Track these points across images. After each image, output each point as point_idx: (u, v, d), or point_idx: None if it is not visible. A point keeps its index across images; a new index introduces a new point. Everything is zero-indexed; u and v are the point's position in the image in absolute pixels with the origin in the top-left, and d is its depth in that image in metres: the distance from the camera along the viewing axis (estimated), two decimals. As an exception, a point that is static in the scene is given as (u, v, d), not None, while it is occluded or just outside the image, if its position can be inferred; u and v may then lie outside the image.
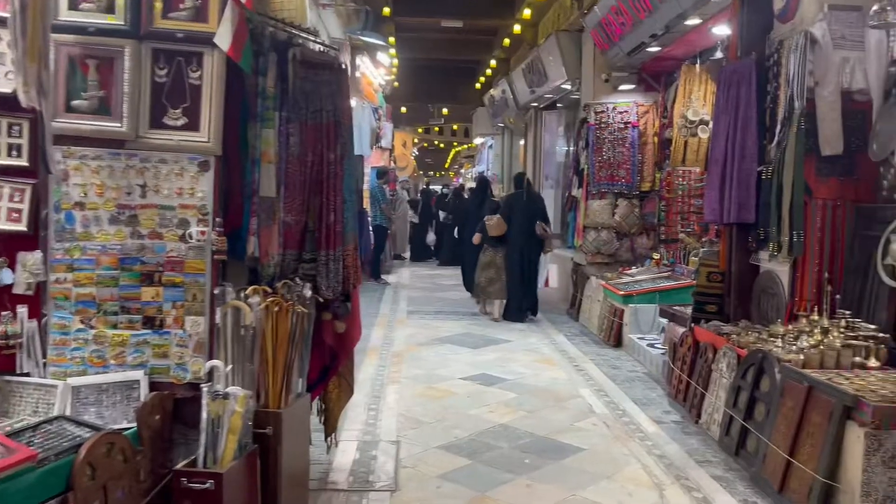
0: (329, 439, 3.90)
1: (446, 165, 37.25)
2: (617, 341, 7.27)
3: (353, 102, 10.59)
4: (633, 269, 8.50)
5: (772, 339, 4.38)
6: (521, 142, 15.12)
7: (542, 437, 4.48)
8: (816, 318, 4.41)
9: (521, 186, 8.91)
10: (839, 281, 4.61)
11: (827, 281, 4.51)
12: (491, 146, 18.56)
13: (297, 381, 3.30)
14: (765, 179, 4.95)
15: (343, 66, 3.53)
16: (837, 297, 4.42)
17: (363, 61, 11.39)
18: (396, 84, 16.87)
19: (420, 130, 24.49)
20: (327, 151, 3.36)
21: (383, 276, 11.98)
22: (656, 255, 8.12)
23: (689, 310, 5.89)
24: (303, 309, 3.12)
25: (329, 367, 3.78)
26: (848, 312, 4.27)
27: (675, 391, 5.30)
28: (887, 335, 3.94)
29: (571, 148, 10.72)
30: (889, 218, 4.20)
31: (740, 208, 5.10)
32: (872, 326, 4.05)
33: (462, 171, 28.69)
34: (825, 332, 4.16)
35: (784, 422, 3.68)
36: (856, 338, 4.00)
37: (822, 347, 3.95)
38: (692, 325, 5.32)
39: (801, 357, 3.90)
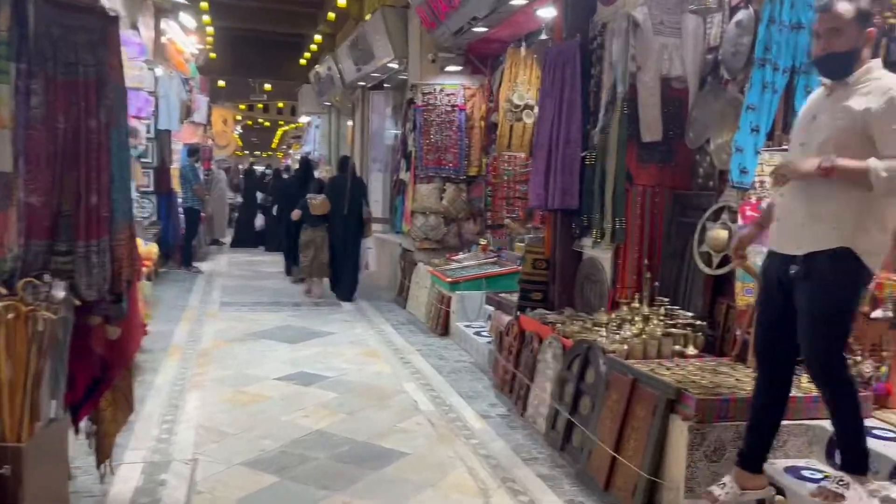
0: (103, 466, 3.23)
1: (273, 145, 35.66)
2: (444, 330, 7.05)
3: (160, 71, 9.50)
4: (461, 255, 8.35)
5: (596, 328, 4.29)
6: (349, 122, 14.57)
7: (363, 443, 4.08)
8: (637, 305, 4.39)
9: (346, 170, 8.89)
10: (658, 268, 4.63)
11: (646, 268, 4.50)
12: (318, 126, 17.80)
13: (49, 404, 2.64)
14: (588, 165, 4.88)
15: (109, 12, 2.86)
16: (656, 284, 4.42)
17: (170, 26, 10.27)
18: (213, 55, 15.59)
19: (242, 107, 23.00)
20: (86, 117, 2.69)
21: (195, 264, 10.96)
22: (483, 241, 8.02)
23: (515, 297, 5.77)
24: (49, 314, 2.46)
25: (101, 380, 3.11)
26: (667, 299, 4.27)
27: (502, 382, 5.13)
28: (704, 322, 3.96)
29: (399, 130, 10.39)
30: (704, 205, 4.24)
31: (564, 194, 5.00)
32: (690, 314, 4.06)
33: (291, 151, 27.54)
34: (646, 319, 4.13)
35: (609, 415, 3.56)
36: (675, 326, 3.99)
37: (644, 337, 3.90)
38: (518, 313, 5.17)
39: (625, 347, 3.82)
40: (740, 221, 3.79)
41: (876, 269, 2.66)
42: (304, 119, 19.72)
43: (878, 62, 2.64)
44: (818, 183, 2.55)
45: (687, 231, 4.41)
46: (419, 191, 8.80)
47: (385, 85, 12.00)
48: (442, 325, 7.06)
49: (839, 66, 2.61)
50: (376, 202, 11.81)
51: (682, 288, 4.38)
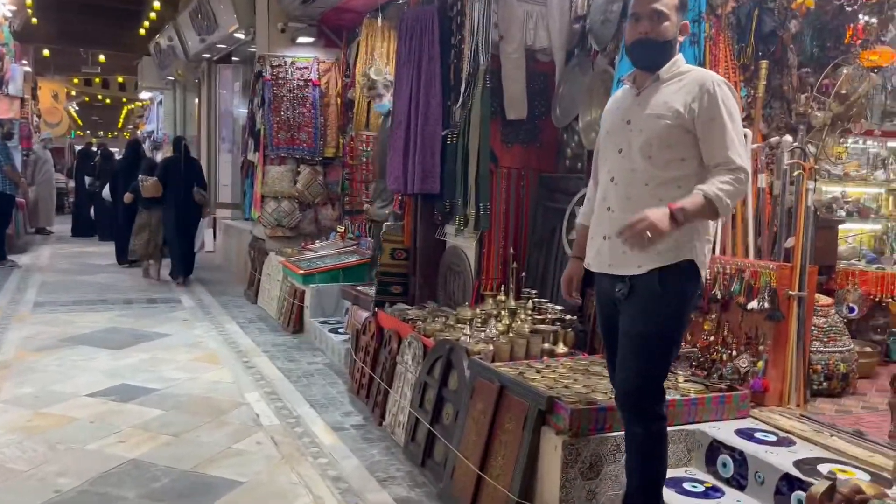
0: None
1: (119, 125, 32.76)
2: (298, 327, 6.41)
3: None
4: (318, 244, 7.71)
5: (459, 325, 3.86)
6: (196, 99, 13.37)
7: (187, 473, 3.41)
8: (503, 298, 4.01)
9: (180, 150, 8.36)
10: (524, 257, 4.28)
11: (512, 257, 4.13)
12: (161, 102, 16.30)
13: None
14: (450, 145, 4.43)
15: None
16: (523, 275, 4.06)
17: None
18: (35, 21, 13.74)
19: (76, 81, 20.70)
20: None
21: (11, 257, 9.55)
22: (341, 228, 7.42)
23: (373, 291, 5.25)
24: None
25: None
26: (534, 291, 3.92)
27: (358, 386, 4.61)
28: (574, 317, 3.63)
29: (247, 107, 9.51)
30: (573, 189, 3.92)
31: (425, 177, 4.52)
32: (559, 308, 3.72)
33: (138, 131, 25.33)
34: (513, 314, 3.75)
35: (474, 427, 3.13)
36: (543, 321, 3.63)
37: (511, 335, 3.51)
38: (375, 309, 4.66)
39: (490, 348, 3.41)
40: (612, 206, 3.48)
41: (703, 280, 2.43)
42: (145, 95, 18.04)
43: (681, 56, 2.35)
44: (645, 195, 2.25)
45: (555, 217, 4.08)
46: (270, 173, 8.04)
47: (233, 58, 11.04)
48: (295, 322, 6.42)
49: (657, 55, 2.29)
50: (225, 186, 10.90)
51: (551, 279, 4.04)
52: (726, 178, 2.13)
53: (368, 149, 7.33)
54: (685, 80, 2.27)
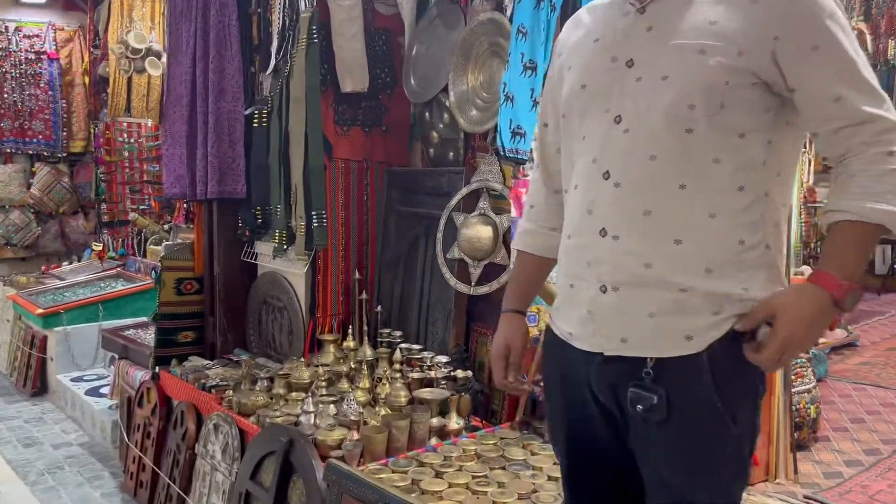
0: None
1: None
2: (39, 387, 4.63)
3: None
4: (66, 266, 5.86)
5: (294, 394, 2.59)
6: None
7: None
8: (351, 343, 2.83)
9: None
10: (371, 282, 3.12)
11: (357, 284, 2.95)
12: None
13: None
14: (258, 128, 3.12)
15: None
16: (378, 309, 2.89)
17: None
18: None
19: None
20: None
21: None
22: (98, 245, 5.64)
23: (151, 335, 3.76)
24: None
25: None
26: (398, 334, 2.79)
27: (135, 484, 3.14)
28: (466, 372, 2.53)
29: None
30: (442, 187, 2.83)
31: (223, 176, 3.17)
32: (440, 357, 2.61)
33: None
34: (371, 369, 2.60)
35: (346, 581, 1.92)
36: (422, 382, 2.51)
37: (382, 411, 2.34)
38: (156, 370, 3.21)
39: (356, 437, 2.22)
40: (513, 212, 2.45)
41: None
42: None
43: None
44: (684, 208, 1.14)
45: (414, 225, 2.96)
46: (-10, 175, 5.99)
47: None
48: (34, 381, 4.63)
49: None
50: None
51: (415, 313, 2.92)
52: (881, 162, 1.08)
53: (131, 141, 5.65)
54: None
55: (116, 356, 3.81)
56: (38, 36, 6.24)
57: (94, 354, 4.55)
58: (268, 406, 2.57)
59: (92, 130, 6.16)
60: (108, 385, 4.19)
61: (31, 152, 6.19)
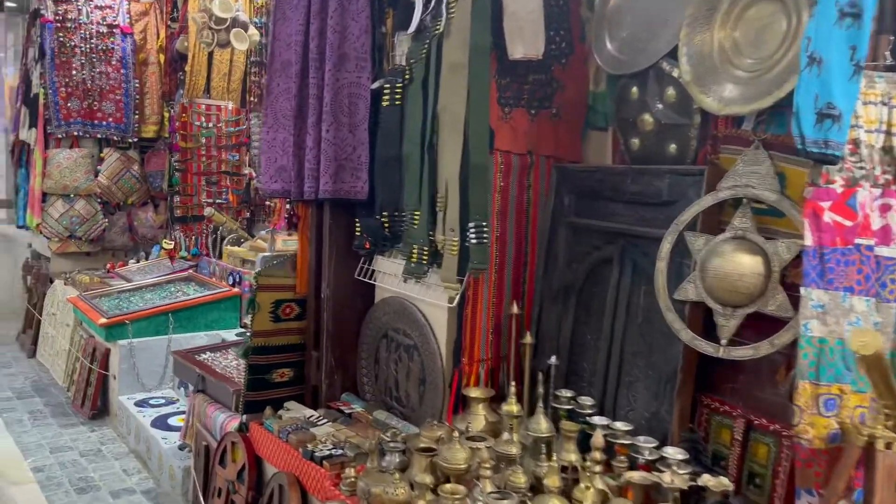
0: None
1: None
2: (98, 408, 3.99)
3: None
4: (133, 266, 5.26)
5: (451, 489, 1.79)
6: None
7: None
8: (514, 408, 2.03)
9: None
10: (528, 319, 2.31)
11: (513, 320, 2.15)
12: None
13: None
14: (389, 107, 2.34)
15: None
16: (554, 361, 2.07)
17: None
18: None
19: None
20: None
21: None
22: (168, 244, 5.00)
23: (234, 363, 3.05)
24: None
25: None
26: (588, 402, 1.98)
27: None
28: (722, 475, 1.69)
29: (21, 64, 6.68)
30: (647, 193, 2.00)
31: (339, 170, 2.40)
32: (677, 452, 1.77)
33: None
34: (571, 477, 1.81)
35: None
36: (649, 491, 1.68)
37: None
38: (244, 420, 2.47)
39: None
40: (807, 238, 1.59)
41: None
42: None
43: None
44: None
45: (594, 244, 2.14)
46: (55, 160, 5.44)
47: (9, 3, 8.05)
48: (94, 400, 3.99)
49: None
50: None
51: (598, 366, 2.10)
52: None
53: (211, 125, 4.99)
54: None
55: (192, 388, 3.11)
56: (110, 7, 5.65)
57: (161, 373, 3.89)
58: (407, 498, 1.79)
59: (166, 114, 5.54)
60: (176, 413, 3.51)
61: (99, 136, 5.61)
